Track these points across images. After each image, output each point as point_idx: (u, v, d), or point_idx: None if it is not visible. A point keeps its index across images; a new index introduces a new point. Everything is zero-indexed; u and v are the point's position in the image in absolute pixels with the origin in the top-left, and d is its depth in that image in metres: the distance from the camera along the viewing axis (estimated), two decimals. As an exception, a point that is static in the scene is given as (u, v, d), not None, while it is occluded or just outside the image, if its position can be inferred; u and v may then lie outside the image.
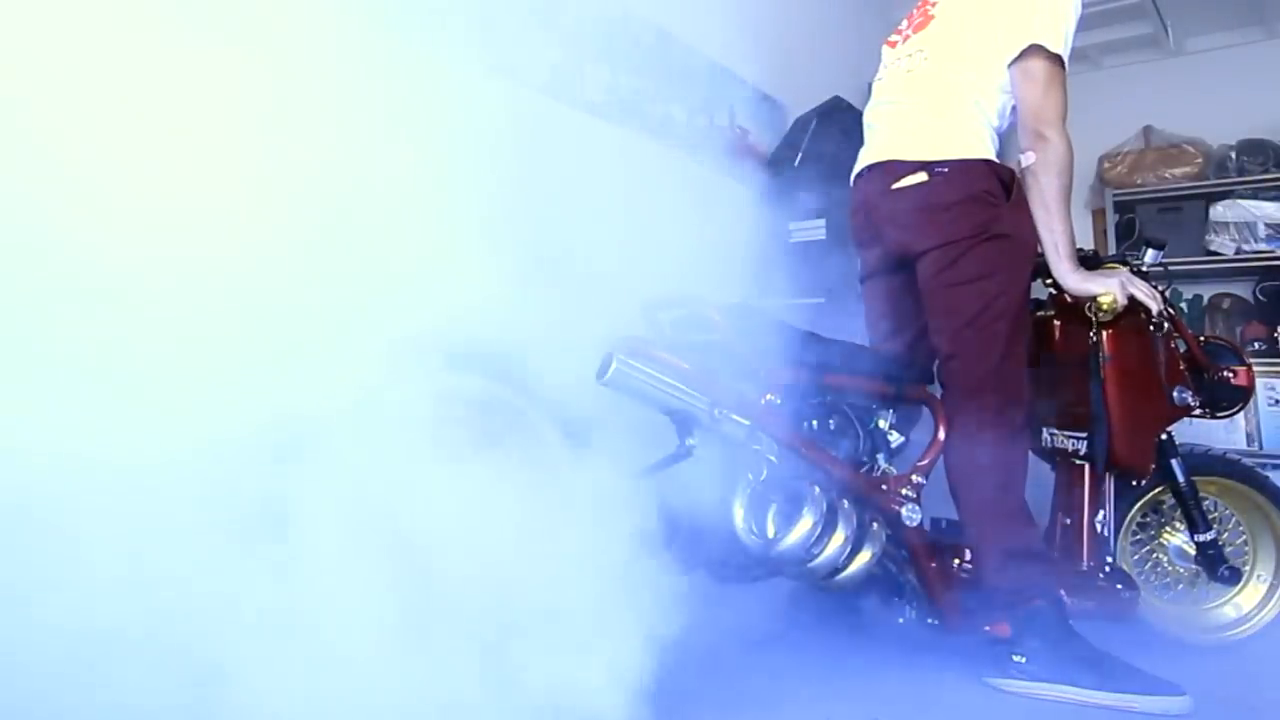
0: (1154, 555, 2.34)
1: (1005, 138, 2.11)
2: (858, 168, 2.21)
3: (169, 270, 1.34)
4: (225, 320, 1.40)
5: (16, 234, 1.23)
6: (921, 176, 2.01)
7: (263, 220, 1.41)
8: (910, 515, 1.94)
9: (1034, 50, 1.96)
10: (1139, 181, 4.64)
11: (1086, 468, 2.13)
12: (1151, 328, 2.12)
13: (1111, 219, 4.70)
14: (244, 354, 1.40)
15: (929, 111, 2.06)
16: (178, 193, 1.35)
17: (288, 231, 1.41)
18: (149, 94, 1.33)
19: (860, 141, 2.25)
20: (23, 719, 1.20)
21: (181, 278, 1.36)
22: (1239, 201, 4.33)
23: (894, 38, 2.26)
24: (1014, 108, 2.04)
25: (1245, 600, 2.36)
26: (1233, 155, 4.44)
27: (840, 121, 3.29)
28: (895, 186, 2.04)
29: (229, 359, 1.38)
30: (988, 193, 1.98)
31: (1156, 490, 2.26)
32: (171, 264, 1.34)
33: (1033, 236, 2.02)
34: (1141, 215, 4.58)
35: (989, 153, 2.03)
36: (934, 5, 2.17)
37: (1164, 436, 2.19)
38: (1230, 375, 2.27)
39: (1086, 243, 4.59)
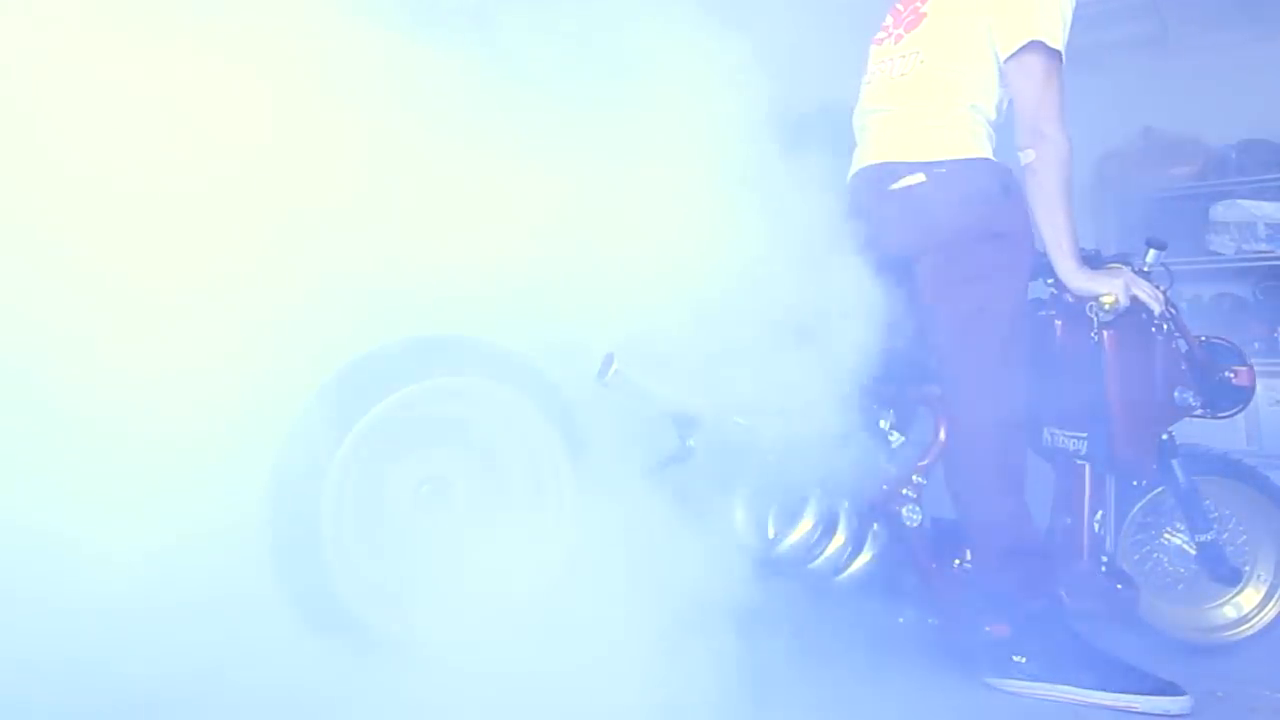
0: (1154, 555, 2.34)
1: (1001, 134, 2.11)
2: (853, 170, 2.20)
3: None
4: (223, 319, 1.40)
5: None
6: (920, 177, 2.00)
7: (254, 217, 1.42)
8: (910, 516, 1.94)
9: (1033, 47, 1.96)
10: (1139, 181, 4.63)
11: (1086, 467, 2.13)
12: (1153, 328, 2.12)
13: (1111, 219, 4.69)
14: (241, 354, 1.40)
15: (926, 113, 2.05)
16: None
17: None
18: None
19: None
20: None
21: (173, 279, 1.36)
22: (1239, 201, 4.33)
23: (881, 35, 2.23)
24: (1010, 104, 2.04)
25: (1245, 600, 2.35)
26: (1233, 155, 4.44)
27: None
28: (893, 187, 2.04)
29: (227, 359, 1.39)
30: (986, 192, 1.98)
31: (1156, 490, 2.26)
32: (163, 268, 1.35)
33: (1030, 236, 2.01)
34: (1141, 215, 4.58)
35: (986, 152, 2.03)
36: (925, 3, 2.14)
37: (1164, 436, 2.19)
38: (1231, 375, 2.27)
39: (1087, 243, 4.59)
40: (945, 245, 1.98)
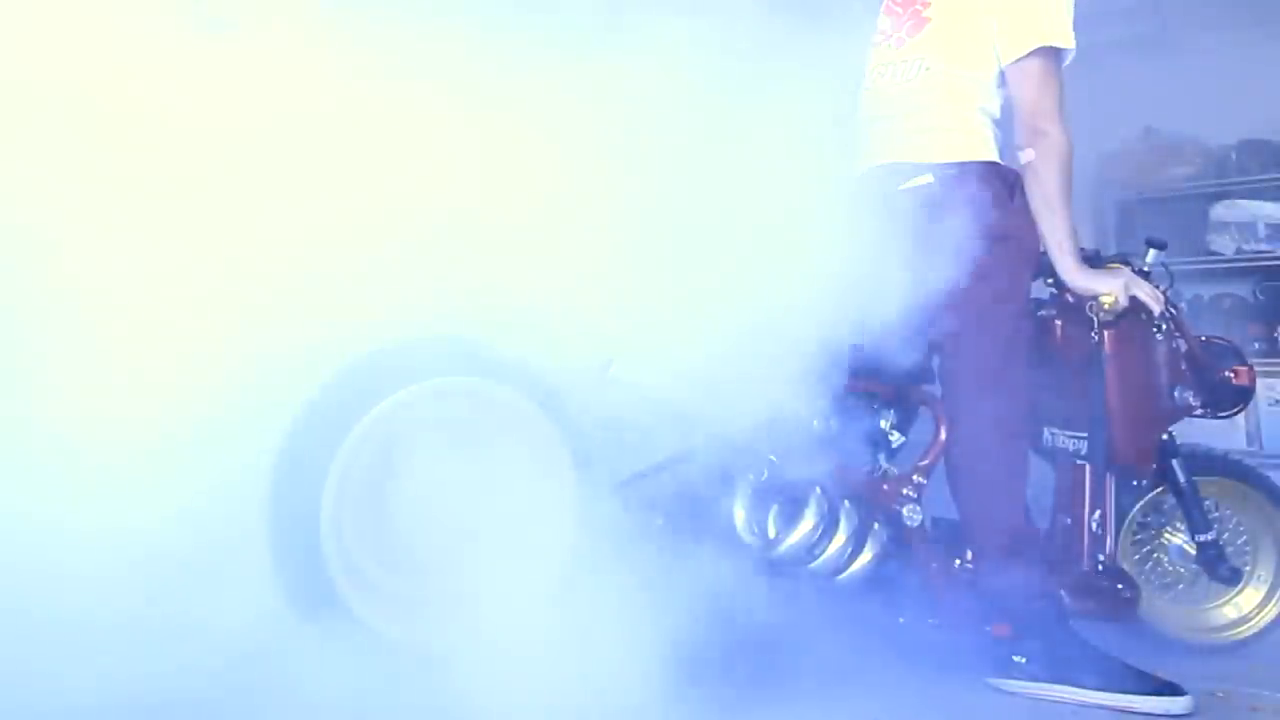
0: (1154, 555, 2.34)
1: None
2: (859, 170, 2.20)
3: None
4: (223, 319, 1.41)
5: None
6: (928, 178, 2.00)
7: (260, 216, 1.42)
8: (911, 515, 1.94)
9: (1037, 50, 1.96)
10: (1139, 182, 4.63)
11: (1087, 468, 2.13)
12: (1153, 328, 2.12)
13: (1111, 219, 4.69)
14: (241, 354, 1.40)
15: (934, 119, 2.04)
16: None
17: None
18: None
19: None
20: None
21: (175, 277, 1.36)
22: (1239, 201, 4.33)
23: (878, 39, 2.19)
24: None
25: (1245, 600, 2.35)
26: (1233, 155, 4.44)
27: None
28: (902, 188, 2.04)
29: (227, 359, 1.39)
30: (992, 195, 1.98)
31: (1157, 490, 2.26)
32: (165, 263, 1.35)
33: (1035, 239, 2.02)
34: (1141, 215, 4.58)
35: (994, 155, 2.04)
36: (927, 7, 2.13)
37: (1164, 436, 2.19)
38: (1231, 375, 2.27)
39: (1087, 243, 4.58)
40: (951, 246, 1.97)
